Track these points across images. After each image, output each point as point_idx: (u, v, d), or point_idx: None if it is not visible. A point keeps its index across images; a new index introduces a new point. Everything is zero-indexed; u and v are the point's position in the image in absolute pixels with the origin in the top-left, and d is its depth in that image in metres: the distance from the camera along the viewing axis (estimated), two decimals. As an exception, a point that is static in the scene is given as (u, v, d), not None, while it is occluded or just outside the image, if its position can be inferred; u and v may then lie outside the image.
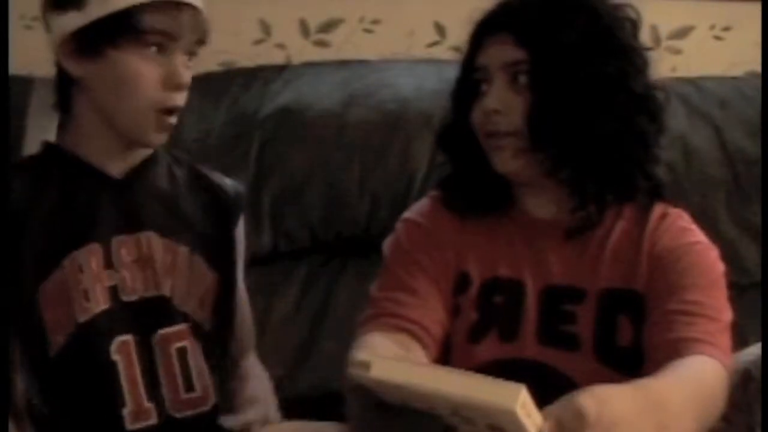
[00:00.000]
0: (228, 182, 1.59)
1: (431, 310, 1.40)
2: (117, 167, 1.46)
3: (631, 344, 1.36)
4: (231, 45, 2.20)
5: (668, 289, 1.36)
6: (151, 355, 1.43)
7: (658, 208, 1.44)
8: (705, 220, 1.54)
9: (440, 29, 2.25)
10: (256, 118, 2.03)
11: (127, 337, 1.42)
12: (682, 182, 1.93)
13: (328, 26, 2.25)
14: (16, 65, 1.77)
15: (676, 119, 1.90)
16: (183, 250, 1.48)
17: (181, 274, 1.47)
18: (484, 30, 1.43)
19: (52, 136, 1.52)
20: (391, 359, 1.10)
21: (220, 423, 1.49)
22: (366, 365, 1.07)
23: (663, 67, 1.45)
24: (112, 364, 1.41)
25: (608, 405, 1.10)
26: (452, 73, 1.50)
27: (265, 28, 2.25)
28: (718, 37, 2.27)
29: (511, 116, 1.39)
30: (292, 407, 1.58)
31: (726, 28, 2.26)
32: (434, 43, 2.25)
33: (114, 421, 1.40)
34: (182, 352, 1.46)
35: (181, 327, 1.46)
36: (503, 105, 1.39)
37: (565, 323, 1.39)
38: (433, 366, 1.10)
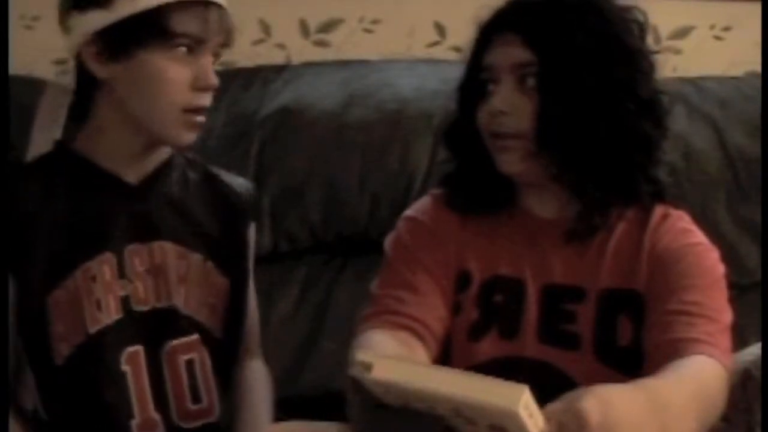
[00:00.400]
0: (240, 183, 1.58)
1: (432, 308, 1.40)
2: (132, 173, 1.45)
3: (631, 344, 1.36)
4: (231, 45, 2.20)
5: (668, 290, 1.35)
6: (160, 366, 1.43)
7: (660, 210, 1.44)
8: (705, 220, 1.54)
9: (440, 29, 2.25)
10: (256, 118, 2.03)
11: (138, 348, 1.42)
12: (682, 182, 1.93)
13: (328, 26, 2.25)
14: (16, 65, 1.77)
15: (676, 119, 1.90)
16: (196, 257, 1.47)
17: (194, 282, 1.46)
18: (492, 29, 1.42)
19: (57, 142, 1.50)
20: (392, 360, 1.10)
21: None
22: (367, 366, 1.07)
23: (663, 67, 1.45)
24: (122, 375, 1.41)
25: (611, 407, 1.10)
26: (452, 73, 1.50)
27: (265, 28, 2.25)
28: (718, 37, 2.27)
29: (518, 118, 1.38)
30: (292, 407, 1.58)
31: (726, 28, 2.26)
32: (434, 43, 2.25)
33: (121, 431, 1.39)
34: (190, 364, 1.45)
35: (191, 338, 1.46)
36: (510, 106, 1.38)
37: (565, 322, 1.39)
38: (434, 367, 1.09)
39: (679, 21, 2.25)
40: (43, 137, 1.71)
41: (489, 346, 1.39)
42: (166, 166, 1.48)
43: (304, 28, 2.25)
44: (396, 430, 1.11)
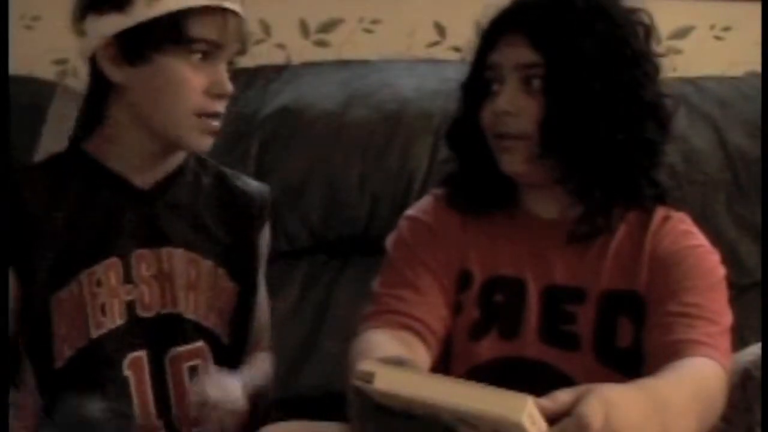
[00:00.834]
0: (254, 186, 1.57)
1: (433, 308, 1.40)
2: (143, 178, 1.44)
3: (631, 345, 1.37)
4: (231, 45, 2.19)
5: (669, 292, 1.36)
6: (163, 372, 1.43)
7: (661, 212, 1.44)
8: (705, 220, 1.54)
9: (440, 29, 2.25)
10: (256, 118, 2.03)
11: (141, 354, 1.42)
12: (682, 183, 1.93)
13: (328, 26, 2.25)
14: (17, 65, 1.77)
15: (676, 119, 1.90)
16: (207, 264, 1.47)
17: (204, 289, 1.46)
18: (498, 28, 1.42)
19: (66, 145, 1.49)
20: (394, 369, 1.08)
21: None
22: (370, 376, 1.06)
23: (663, 67, 1.45)
24: (124, 380, 1.40)
25: (614, 409, 1.09)
26: (452, 73, 1.50)
27: (265, 28, 2.25)
28: (718, 37, 2.26)
29: (522, 119, 1.38)
30: (292, 407, 1.58)
31: (726, 28, 2.26)
32: (434, 43, 2.25)
33: None
34: (194, 371, 1.44)
35: (196, 345, 1.45)
36: (515, 107, 1.38)
37: (565, 323, 1.39)
38: (437, 376, 1.08)
39: (679, 21, 2.25)
40: (52, 139, 1.71)
41: (489, 346, 1.40)
42: (178, 171, 1.48)
43: (304, 28, 2.25)
44: (396, 431, 1.11)
